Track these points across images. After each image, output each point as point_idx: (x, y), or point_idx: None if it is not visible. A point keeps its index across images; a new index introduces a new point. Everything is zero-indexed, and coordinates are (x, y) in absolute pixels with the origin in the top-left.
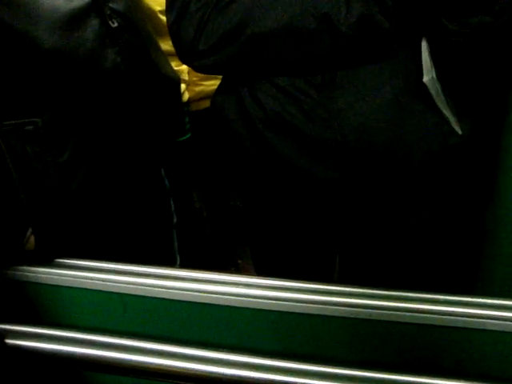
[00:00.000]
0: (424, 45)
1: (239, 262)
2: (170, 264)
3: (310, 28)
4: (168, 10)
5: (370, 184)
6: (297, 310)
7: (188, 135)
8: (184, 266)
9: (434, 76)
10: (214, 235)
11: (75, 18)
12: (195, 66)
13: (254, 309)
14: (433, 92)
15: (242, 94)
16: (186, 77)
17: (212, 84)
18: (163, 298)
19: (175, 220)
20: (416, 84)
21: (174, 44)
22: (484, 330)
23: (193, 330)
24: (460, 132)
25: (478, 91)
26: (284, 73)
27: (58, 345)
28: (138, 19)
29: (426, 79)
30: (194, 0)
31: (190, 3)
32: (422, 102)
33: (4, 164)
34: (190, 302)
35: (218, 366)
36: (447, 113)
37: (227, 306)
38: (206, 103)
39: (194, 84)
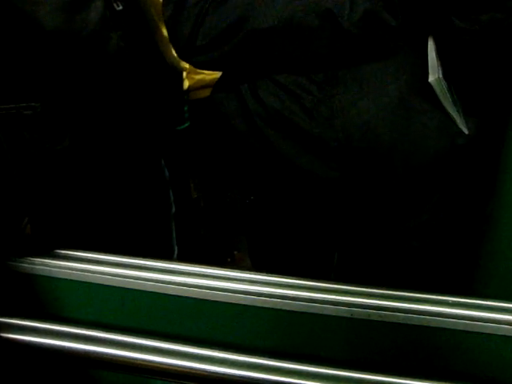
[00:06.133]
0: (431, 43)
1: (235, 253)
2: (168, 254)
3: (312, 25)
4: (164, 3)
5: (371, 184)
6: (294, 309)
7: (187, 124)
8: (181, 256)
9: (441, 75)
10: (211, 226)
11: (79, 0)
12: (193, 62)
13: (251, 306)
14: (438, 92)
15: (243, 90)
16: (186, 64)
17: (212, 73)
18: (162, 293)
19: (174, 210)
20: (422, 83)
21: (171, 39)
22: (481, 333)
23: (188, 325)
24: (467, 132)
25: (485, 90)
26: (285, 70)
27: (54, 339)
28: (143, 3)
29: (431, 79)
30: None
31: None
32: (428, 101)
33: (0, 150)
34: (187, 297)
35: (211, 365)
36: (453, 113)
37: (225, 303)
38: (206, 92)
39: (194, 72)
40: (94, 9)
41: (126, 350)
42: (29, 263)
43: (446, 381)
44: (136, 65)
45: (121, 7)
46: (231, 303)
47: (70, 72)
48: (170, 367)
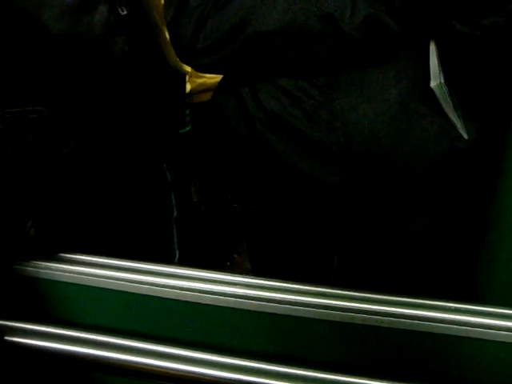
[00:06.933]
0: (432, 48)
1: (235, 256)
2: (170, 258)
3: (314, 28)
4: (166, 6)
5: (371, 188)
6: (294, 313)
7: (188, 127)
8: (182, 259)
9: (442, 81)
10: (211, 229)
11: (84, 4)
12: (194, 65)
13: (252, 311)
14: (440, 97)
15: (243, 94)
16: (188, 68)
17: (214, 76)
18: (162, 297)
19: (175, 214)
20: (423, 87)
21: (172, 42)
22: (482, 340)
23: (188, 329)
24: (466, 137)
25: (485, 95)
26: (286, 73)
27: (58, 343)
28: (146, 7)
29: (433, 84)
30: None
31: None
32: (429, 105)
33: (5, 154)
34: (187, 301)
35: (215, 370)
36: (454, 117)
37: (225, 308)
38: (207, 95)
39: (196, 75)
40: (99, 13)
41: (130, 354)
42: (33, 267)
43: None
44: (140, 69)
45: (125, 12)
46: (232, 308)
47: (75, 76)
48: (173, 371)
